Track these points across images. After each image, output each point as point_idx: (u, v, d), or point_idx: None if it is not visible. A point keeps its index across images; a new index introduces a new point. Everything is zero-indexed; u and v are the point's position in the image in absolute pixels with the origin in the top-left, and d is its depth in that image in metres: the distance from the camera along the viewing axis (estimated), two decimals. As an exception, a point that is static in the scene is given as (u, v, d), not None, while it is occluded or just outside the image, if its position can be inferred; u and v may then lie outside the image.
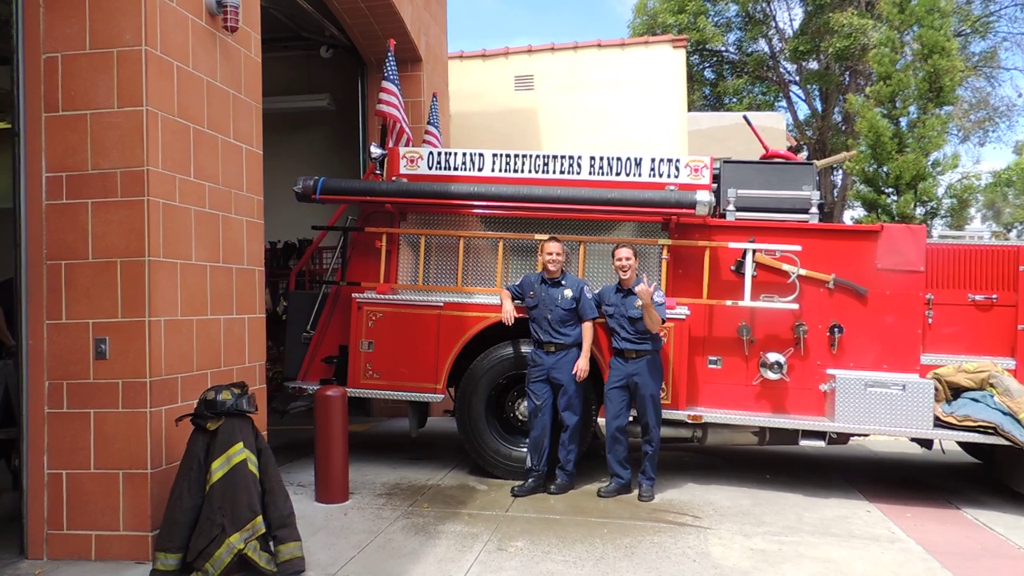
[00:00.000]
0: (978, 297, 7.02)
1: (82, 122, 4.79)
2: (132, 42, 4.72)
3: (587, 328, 6.53)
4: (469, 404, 6.95)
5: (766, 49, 26.39)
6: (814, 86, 25.47)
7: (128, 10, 4.71)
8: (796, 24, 25.45)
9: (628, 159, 7.08)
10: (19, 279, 4.86)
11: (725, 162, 7.24)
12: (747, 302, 6.66)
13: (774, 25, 26.15)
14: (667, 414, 6.67)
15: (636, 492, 6.53)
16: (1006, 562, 5.30)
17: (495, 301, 6.85)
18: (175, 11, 4.98)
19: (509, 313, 6.63)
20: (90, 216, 4.79)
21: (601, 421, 6.71)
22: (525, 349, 6.78)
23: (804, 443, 6.90)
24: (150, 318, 4.75)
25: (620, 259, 6.42)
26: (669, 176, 7.00)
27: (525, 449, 6.76)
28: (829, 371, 6.72)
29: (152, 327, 4.76)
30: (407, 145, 8.22)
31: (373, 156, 7.64)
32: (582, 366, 6.46)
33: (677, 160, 7.06)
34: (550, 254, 6.54)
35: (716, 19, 25.52)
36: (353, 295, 7.11)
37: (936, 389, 6.51)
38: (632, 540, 5.44)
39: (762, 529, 5.81)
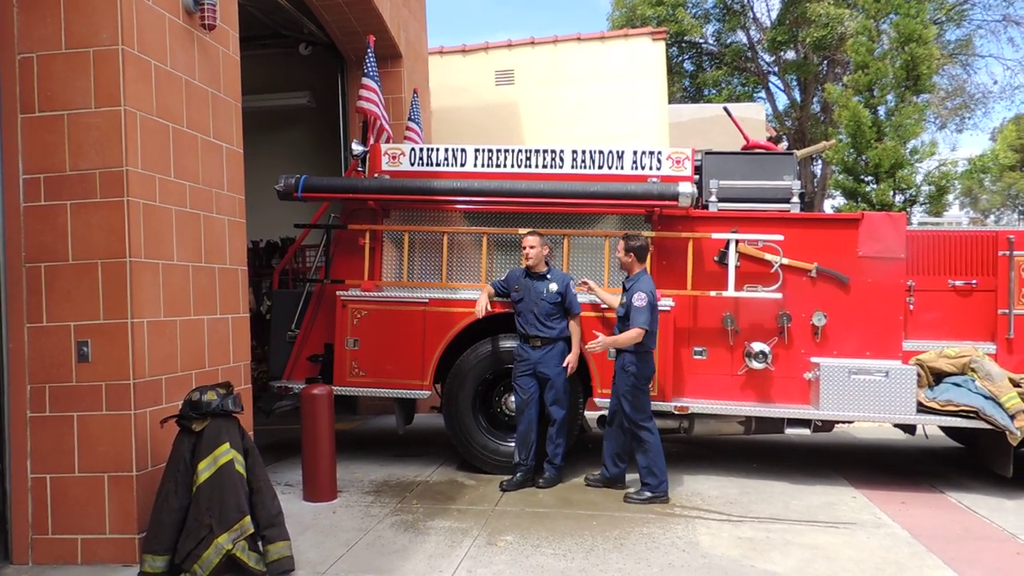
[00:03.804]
0: (958, 283, 7.10)
1: (59, 123, 4.73)
2: (109, 41, 4.67)
3: (574, 324, 6.54)
4: (456, 400, 6.95)
5: (744, 40, 26.47)
6: (792, 76, 25.59)
7: (104, 9, 4.66)
8: (773, 15, 25.57)
9: (610, 152, 7.09)
10: (-2, 283, 4.80)
11: (707, 153, 7.27)
12: (731, 292, 6.69)
13: (752, 16, 26.26)
14: (653, 405, 6.68)
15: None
16: (991, 544, 5.37)
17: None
18: (152, 9, 4.93)
19: (481, 306, 6.66)
20: (69, 218, 4.74)
21: (589, 415, 6.71)
22: (511, 344, 6.78)
23: (789, 431, 6.96)
24: (132, 319, 4.71)
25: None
26: (651, 168, 7.01)
27: (513, 444, 6.76)
28: (813, 359, 6.76)
29: (135, 328, 4.72)
30: (388, 142, 8.19)
31: (355, 153, 7.60)
32: (572, 360, 6.48)
33: (659, 152, 7.07)
34: (524, 247, 6.55)
35: (694, 11, 25.53)
36: (337, 293, 7.09)
37: (918, 375, 6.56)
38: (621, 532, 5.46)
39: (750, 517, 5.85)
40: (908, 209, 16.37)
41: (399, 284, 7.19)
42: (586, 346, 6.43)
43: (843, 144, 16.61)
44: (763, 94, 26.74)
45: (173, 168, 5.12)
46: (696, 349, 6.93)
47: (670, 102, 16.51)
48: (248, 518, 4.56)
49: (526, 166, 7.16)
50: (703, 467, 7.32)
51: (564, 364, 6.46)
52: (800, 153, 8.57)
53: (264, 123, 11.70)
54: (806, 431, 6.93)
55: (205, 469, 4.51)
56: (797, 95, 25.88)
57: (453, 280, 7.16)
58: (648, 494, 6.17)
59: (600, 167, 7.08)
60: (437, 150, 7.28)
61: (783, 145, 20.89)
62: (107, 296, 4.72)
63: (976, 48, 25.86)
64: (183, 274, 5.22)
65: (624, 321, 6.23)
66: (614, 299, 6.52)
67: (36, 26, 4.72)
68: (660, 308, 6.45)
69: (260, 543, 4.62)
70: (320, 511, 5.92)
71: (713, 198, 7.02)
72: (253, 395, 6.22)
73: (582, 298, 6.68)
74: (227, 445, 4.59)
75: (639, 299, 6.08)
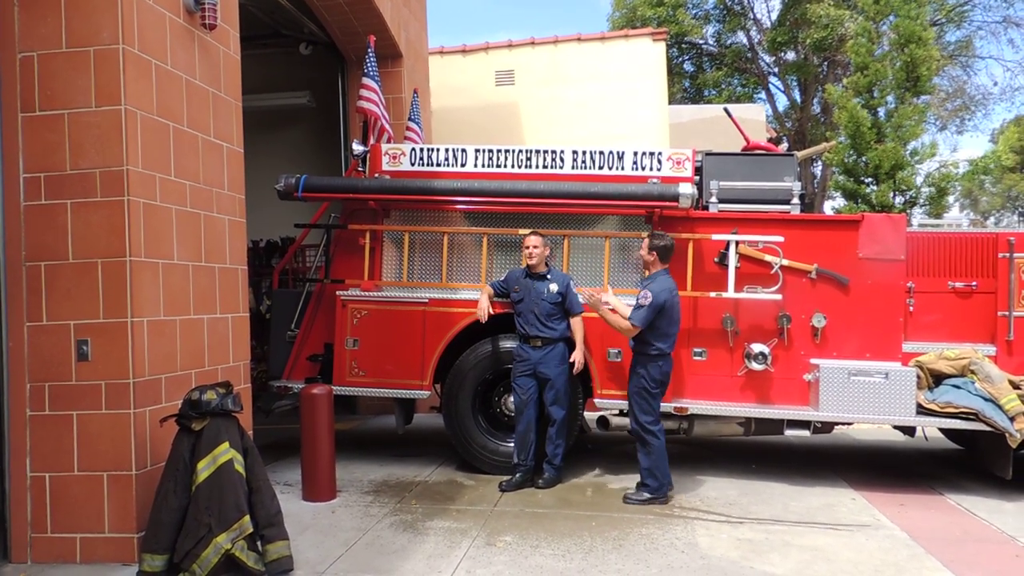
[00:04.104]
0: (958, 285, 7.10)
1: (60, 122, 4.73)
2: (109, 40, 4.67)
3: (577, 323, 6.53)
4: (456, 400, 6.95)
5: (744, 41, 26.49)
6: (792, 77, 25.62)
7: (105, 9, 4.66)
8: (774, 15, 25.61)
9: (611, 153, 7.08)
10: (-2, 281, 4.80)
11: (707, 154, 7.26)
12: (731, 293, 6.68)
13: (752, 17, 26.28)
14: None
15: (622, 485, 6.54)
16: (989, 546, 5.37)
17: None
18: (152, 9, 4.93)
19: (483, 310, 6.64)
20: (69, 217, 4.74)
21: (588, 415, 6.70)
22: (511, 344, 6.78)
23: (789, 433, 6.96)
24: (132, 319, 4.71)
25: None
26: (651, 169, 7.01)
27: (512, 444, 6.75)
28: (813, 361, 6.75)
29: (135, 328, 4.72)
30: (388, 142, 8.18)
31: (355, 153, 7.60)
32: (578, 359, 6.49)
33: (659, 153, 7.07)
34: (527, 247, 6.55)
35: (694, 11, 25.57)
36: (337, 293, 7.09)
37: (918, 377, 6.56)
38: (620, 532, 5.46)
39: (749, 519, 5.85)
40: (908, 211, 16.38)
41: (399, 284, 7.19)
42: (581, 292, 6.44)
43: (843, 145, 16.62)
44: (763, 95, 26.77)
45: (173, 167, 5.12)
46: (696, 350, 6.92)
47: (670, 103, 16.51)
48: (247, 517, 4.57)
49: (526, 166, 7.16)
50: (702, 468, 7.31)
51: (570, 361, 6.47)
52: (800, 154, 8.58)
53: (264, 123, 11.69)
54: (805, 432, 6.93)
55: (204, 468, 4.52)
56: (797, 96, 25.90)
57: (453, 280, 7.15)
58: (647, 495, 6.17)
59: (600, 168, 7.08)
60: (437, 150, 7.28)
61: (783, 146, 20.88)
62: (107, 295, 4.72)
63: (976, 49, 25.94)
64: (183, 273, 5.22)
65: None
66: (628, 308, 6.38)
67: (37, 25, 4.72)
68: None
69: (259, 543, 4.62)
70: (319, 511, 5.92)
71: (713, 199, 7.01)
72: (253, 395, 6.23)
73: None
74: (226, 444, 4.59)
75: (643, 297, 6.08)
